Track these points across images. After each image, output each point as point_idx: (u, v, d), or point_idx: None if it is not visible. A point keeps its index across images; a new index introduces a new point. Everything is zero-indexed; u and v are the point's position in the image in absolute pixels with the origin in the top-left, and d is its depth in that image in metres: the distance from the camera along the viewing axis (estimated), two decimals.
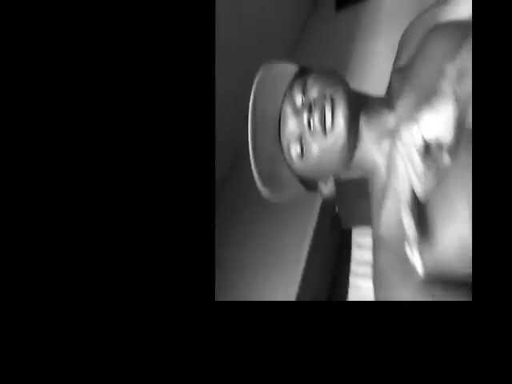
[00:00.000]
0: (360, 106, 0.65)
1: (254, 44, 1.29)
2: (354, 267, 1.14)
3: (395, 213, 0.59)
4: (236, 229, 1.26)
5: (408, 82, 0.64)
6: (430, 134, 0.48)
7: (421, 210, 0.54)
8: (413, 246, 0.50)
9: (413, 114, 0.50)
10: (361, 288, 1.12)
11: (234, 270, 1.18)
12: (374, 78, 1.22)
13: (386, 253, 0.59)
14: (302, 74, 0.70)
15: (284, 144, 0.66)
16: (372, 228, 0.64)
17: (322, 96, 0.62)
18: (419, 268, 0.49)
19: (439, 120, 0.48)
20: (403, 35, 0.73)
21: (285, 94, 0.67)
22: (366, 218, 0.68)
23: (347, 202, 1.08)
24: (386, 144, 0.63)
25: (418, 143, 0.49)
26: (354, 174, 0.68)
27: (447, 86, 0.48)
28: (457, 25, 0.62)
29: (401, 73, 0.68)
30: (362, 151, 0.65)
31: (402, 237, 0.53)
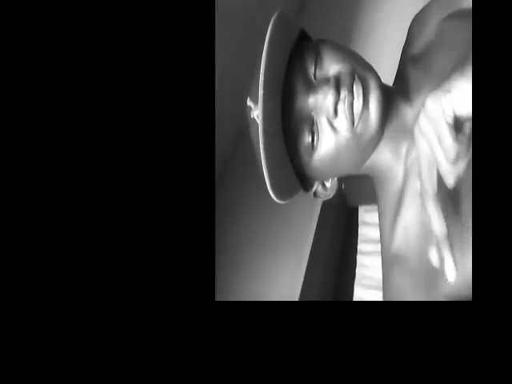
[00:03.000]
0: (387, 96, 0.52)
1: (254, 11, 1.24)
2: (361, 246, 1.13)
3: (416, 224, 0.48)
4: (240, 208, 1.26)
5: (426, 74, 0.55)
6: (462, 107, 0.39)
7: (453, 203, 0.45)
8: (443, 247, 0.40)
9: (441, 83, 0.40)
10: (367, 266, 1.11)
11: (239, 250, 1.18)
12: (380, 52, 1.18)
13: (405, 273, 0.49)
14: (303, 39, 0.56)
15: (290, 128, 0.49)
16: (382, 244, 0.54)
17: (351, 74, 0.48)
18: (450, 273, 0.39)
19: (471, 86, 0.38)
20: (416, 20, 0.64)
21: (290, 57, 0.50)
22: (373, 196, 0.60)
23: (353, 181, 1.06)
24: (403, 144, 0.53)
25: (449, 116, 0.39)
26: (360, 174, 0.58)
27: None
28: None
29: (416, 62, 0.58)
30: (379, 151, 0.53)
31: (426, 252, 0.43)
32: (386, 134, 0.53)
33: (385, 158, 0.54)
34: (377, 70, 0.53)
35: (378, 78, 0.51)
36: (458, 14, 0.57)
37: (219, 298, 1.02)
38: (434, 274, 0.47)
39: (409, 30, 0.65)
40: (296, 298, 1.06)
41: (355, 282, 1.12)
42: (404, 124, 0.54)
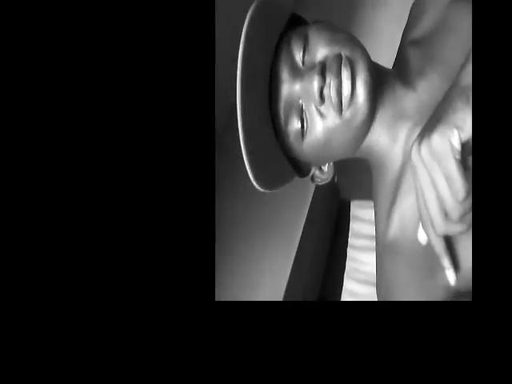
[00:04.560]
0: (378, 77, 0.51)
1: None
2: (352, 240, 1.12)
3: (414, 214, 0.47)
4: (225, 196, 1.23)
5: (429, 59, 0.53)
6: (467, 136, 0.38)
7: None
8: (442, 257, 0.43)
9: (447, 114, 0.39)
10: (358, 260, 1.09)
11: (224, 237, 1.16)
12: (379, 35, 1.15)
13: (401, 263, 0.48)
14: (295, 24, 0.54)
15: (279, 116, 0.49)
16: (377, 231, 0.53)
17: (337, 57, 0.47)
18: (451, 277, 0.42)
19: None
20: (418, 1, 0.61)
21: (277, 45, 0.50)
22: (367, 191, 0.60)
23: (347, 173, 1.04)
24: (402, 130, 0.52)
25: (457, 152, 0.38)
26: (356, 157, 0.57)
27: None
28: None
29: (418, 46, 0.57)
30: (374, 135, 0.52)
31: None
32: (382, 116, 0.52)
33: (381, 142, 0.53)
34: (376, 55, 0.51)
35: (368, 59, 0.49)
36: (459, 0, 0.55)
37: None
38: (432, 265, 0.46)
39: (410, 12, 0.63)
40: (282, 289, 1.05)
41: (345, 275, 1.11)
42: (402, 108, 0.52)
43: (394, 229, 0.50)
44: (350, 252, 1.11)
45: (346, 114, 0.48)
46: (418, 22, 0.59)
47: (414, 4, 0.63)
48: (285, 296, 1.06)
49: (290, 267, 1.08)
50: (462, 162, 0.38)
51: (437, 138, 0.39)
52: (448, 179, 0.38)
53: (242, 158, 0.47)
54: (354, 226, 1.12)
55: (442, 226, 0.40)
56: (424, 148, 0.40)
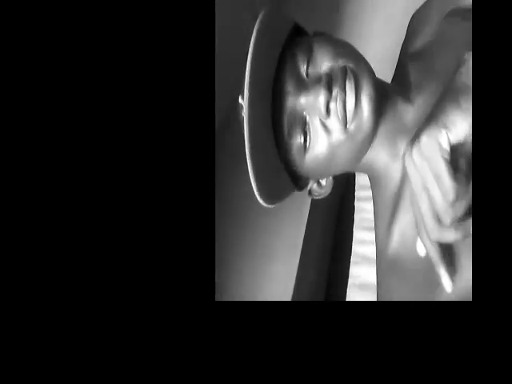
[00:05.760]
0: (381, 92, 0.50)
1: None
2: (359, 193, 1.10)
3: (415, 229, 0.46)
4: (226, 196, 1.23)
5: (427, 73, 0.53)
6: (460, 143, 0.39)
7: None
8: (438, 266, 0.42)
9: (437, 116, 0.40)
10: (364, 210, 1.07)
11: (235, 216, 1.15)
12: (370, 37, 1.14)
13: (403, 280, 0.48)
14: (296, 34, 0.53)
15: (282, 129, 0.48)
16: (377, 247, 0.52)
17: (343, 70, 0.47)
18: (447, 285, 0.42)
19: (468, 121, 0.38)
20: (416, 15, 0.61)
21: (280, 56, 0.49)
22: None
23: None
24: (401, 145, 0.52)
25: (446, 152, 0.38)
26: (356, 171, 0.57)
27: (469, 78, 0.39)
28: None
29: (417, 60, 0.56)
30: (374, 150, 0.52)
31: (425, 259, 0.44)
32: (382, 132, 0.52)
33: (381, 157, 0.53)
34: (363, 51, 0.52)
35: (371, 74, 0.49)
36: (459, 12, 0.55)
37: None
38: (433, 282, 0.46)
39: (408, 26, 0.63)
40: (291, 286, 1.05)
41: (354, 227, 1.10)
42: (402, 123, 0.52)
43: (395, 244, 0.49)
44: (356, 204, 1.10)
45: (351, 127, 0.47)
46: (418, 34, 0.59)
47: (413, 16, 0.63)
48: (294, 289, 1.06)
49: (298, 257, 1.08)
50: (453, 163, 0.39)
51: (425, 139, 0.39)
52: (438, 179, 0.38)
53: (242, 160, 0.47)
54: (359, 178, 1.10)
55: (435, 231, 0.41)
56: (415, 150, 0.40)
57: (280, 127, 0.48)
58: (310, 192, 0.57)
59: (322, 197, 0.57)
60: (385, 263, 0.50)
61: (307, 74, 0.49)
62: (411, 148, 0.41)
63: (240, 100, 0.51)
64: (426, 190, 0.40)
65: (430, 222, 0.40)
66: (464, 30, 0.50)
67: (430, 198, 0.40)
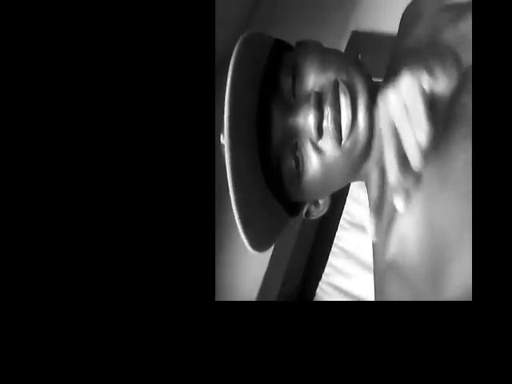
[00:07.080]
0: (376, 94, 0.45)
1: None
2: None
3: (414, 236, 0.44)
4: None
5: None
6: (439, 89, 0.37)
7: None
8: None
9: (426, 58, 0.39)
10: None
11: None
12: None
13: (401, 286, 0.45)
14: (280, 51, 0.48)
15: (271, 159, 0.44)
16: (374, 256, 0.50)
17: (334, 85, 0.43)
18: (399, 205, 0.38)
19: (447, 74, 0.37)
20: (408, 11, 0.59)
21: (262, 79, 0.44)
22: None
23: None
24: None
25: (426, 92, 0.36)
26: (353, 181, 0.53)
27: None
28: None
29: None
30: (371, 161, 0.48)
31: (426, 266, 0.41)
32: (378, 140, 0.47)
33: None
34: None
35: (365, 78, 0.45)
36: (453, 8, 0.53)
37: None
38: (434, 289, 0.43)
39: (401, 21, 0.61)
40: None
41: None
42: None
43: (393, 253, 0.46)
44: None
45: (346, 144, 0.44)
46: (411, 29, 0.57)
47: (405, 11, 0.61)
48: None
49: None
50: (431, 106, 0.37)
51: (407, 78, 0.37)
52: (413, 122, 0.37)
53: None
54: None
55: (398, 176, 0.38)
56: (391, 89, 0.38)
57: (269, 160, 0.44)
58: (307, 214, 0.53)
59: (320, 215, 0.54)
60: (382, 271, 0.47)
61: (294, 95, 0.45)
62: (387, 87, 0.39)
63: (221, 139, 0.45)
64: (397, 133, 0.38)
65: (394, 166, 0.38)
66: (459, 27, 0.48)
67: (401, 142, 0.38)
